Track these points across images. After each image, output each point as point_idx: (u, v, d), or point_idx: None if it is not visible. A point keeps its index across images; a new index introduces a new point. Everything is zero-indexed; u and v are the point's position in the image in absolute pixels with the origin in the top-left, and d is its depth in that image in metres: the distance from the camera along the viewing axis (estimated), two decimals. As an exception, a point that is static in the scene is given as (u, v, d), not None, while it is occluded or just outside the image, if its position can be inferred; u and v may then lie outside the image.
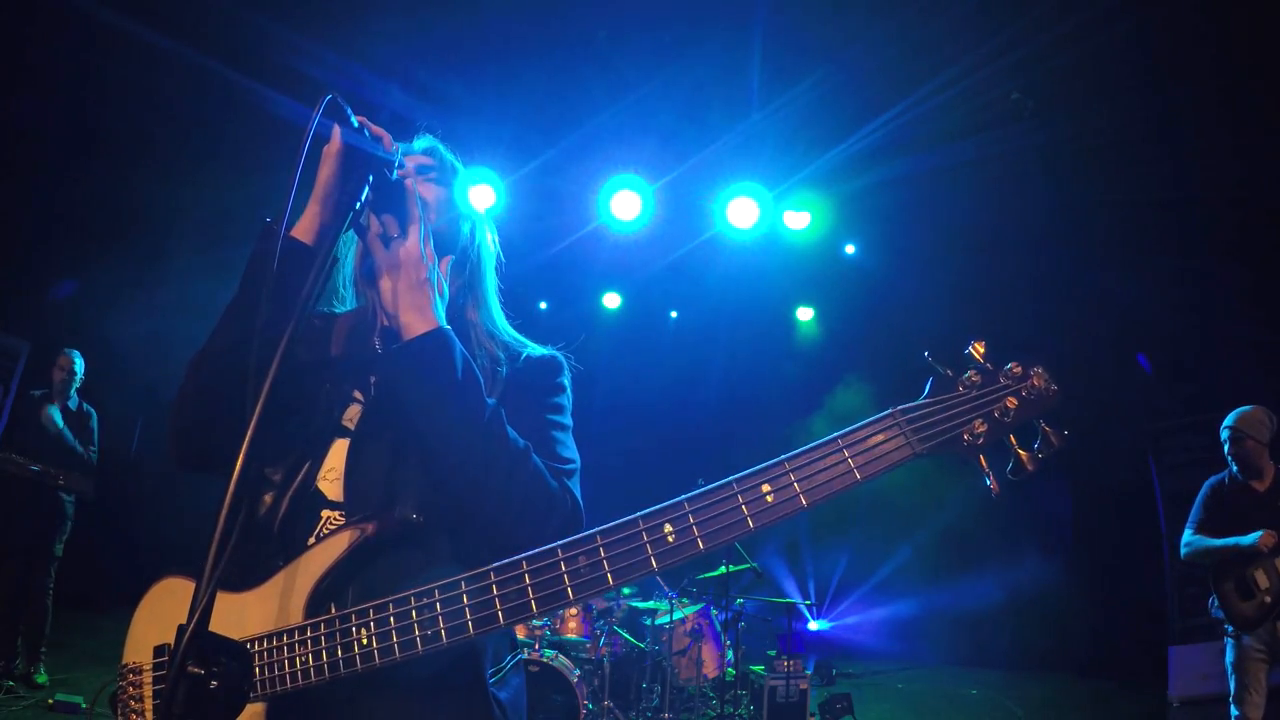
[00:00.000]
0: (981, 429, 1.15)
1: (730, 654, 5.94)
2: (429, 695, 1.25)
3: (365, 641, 1.15)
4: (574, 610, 5.44)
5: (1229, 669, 4.11)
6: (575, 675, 4.98)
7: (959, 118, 6.09)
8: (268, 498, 1.35)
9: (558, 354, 1.55)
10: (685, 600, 5.97)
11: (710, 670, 5.76)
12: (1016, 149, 6.27)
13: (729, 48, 5.89)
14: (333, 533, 1.25)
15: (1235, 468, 4.19)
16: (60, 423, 5.51)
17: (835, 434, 1.14)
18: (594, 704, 5.21)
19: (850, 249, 8.75)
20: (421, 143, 1.55)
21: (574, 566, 1.12)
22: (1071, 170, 6.69)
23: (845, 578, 10.45)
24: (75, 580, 5.80)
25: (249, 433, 0.99)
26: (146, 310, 7.22)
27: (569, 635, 5.34)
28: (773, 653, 6.13)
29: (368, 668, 1.15)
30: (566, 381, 1.52)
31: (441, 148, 1.56)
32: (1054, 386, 1.17)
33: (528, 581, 1.12)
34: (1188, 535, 4.28)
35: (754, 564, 5.96)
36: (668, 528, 1.11)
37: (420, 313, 1.28)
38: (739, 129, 6.66)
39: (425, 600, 1.15)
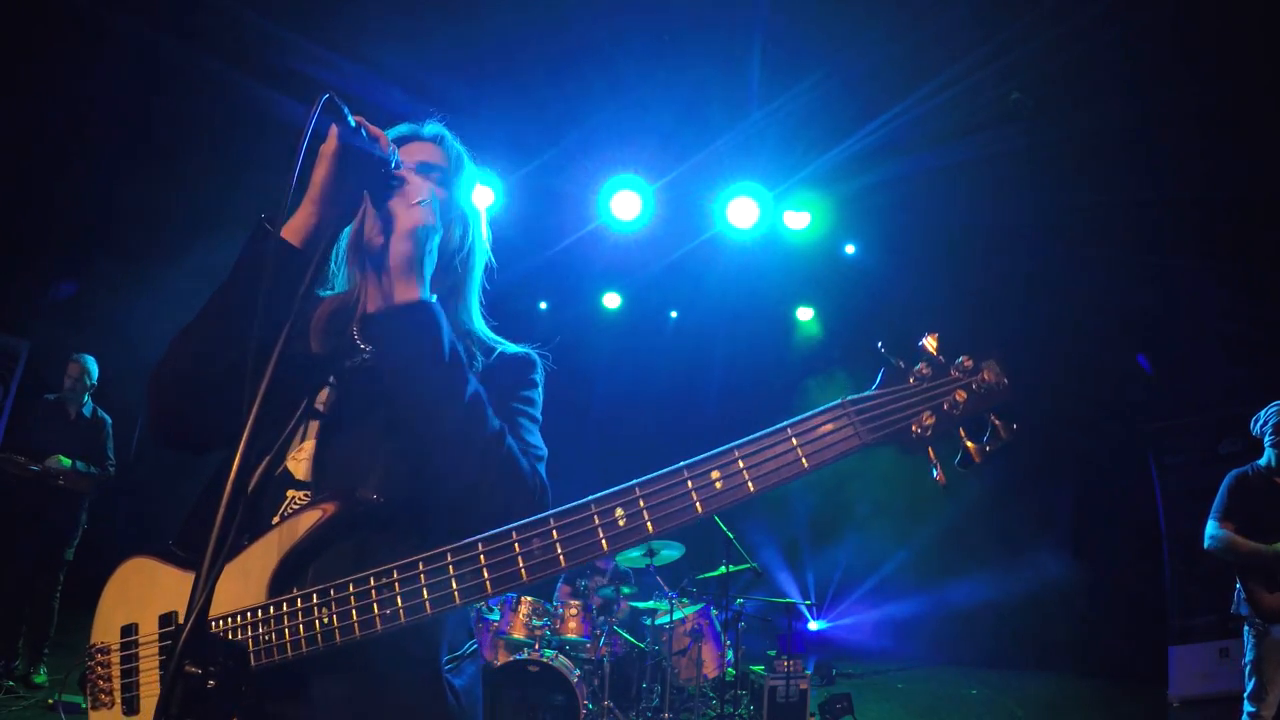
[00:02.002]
0: (930, 421, 1.16)
1: (730, 654, 5.94)
2: (384, 679, 1.27)
3: (326, 620, 1.17)
4: (574, 610, 5.45)
5: (1247, 667, 4.10)
6: (575, 675, 4.98)
7: (958, 118, 6.08)
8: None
9: (531, 352, 1.57)
10: (685, 600, 5.97)
11: (710, 670, 5.76)
12: (1016, 149, 6.26)
13: (729, 48, 5.89)
14: (295, 512, 1.26)
15: (1269, 456, 4.21)
16: (67, 465, 5.45)
17: (785, 423, 1.16)
18: (594, 704, 5.21)
19: (850, 249, 8.75)
20: (430, 128, 1.57)
21: (528, 548, 1.14)
22: (1071, 170, 6.68)
23: (845, 578, 10.45)
24: (75, 580, 5.80)
25: (243, 438, 1.00)
26: (145, 310, 7.21)
27: (569, 635, 5.34)
28: (773, 653, 6.13)
29: (328, 646, 1.17)
30: (539, 378, 1.54)
31: (449, 136, 1.58)
32: (1005, 380, 1.18)
33: (483, 562, 1.14)
34: (1213, 528, 4.23)
35: (754, 564, 5.96)
36: (619, 511, 1.13)
37: (409, 296, 1.31)
38: (739, 129, 6.66)
39: (384, 580, 1.17)
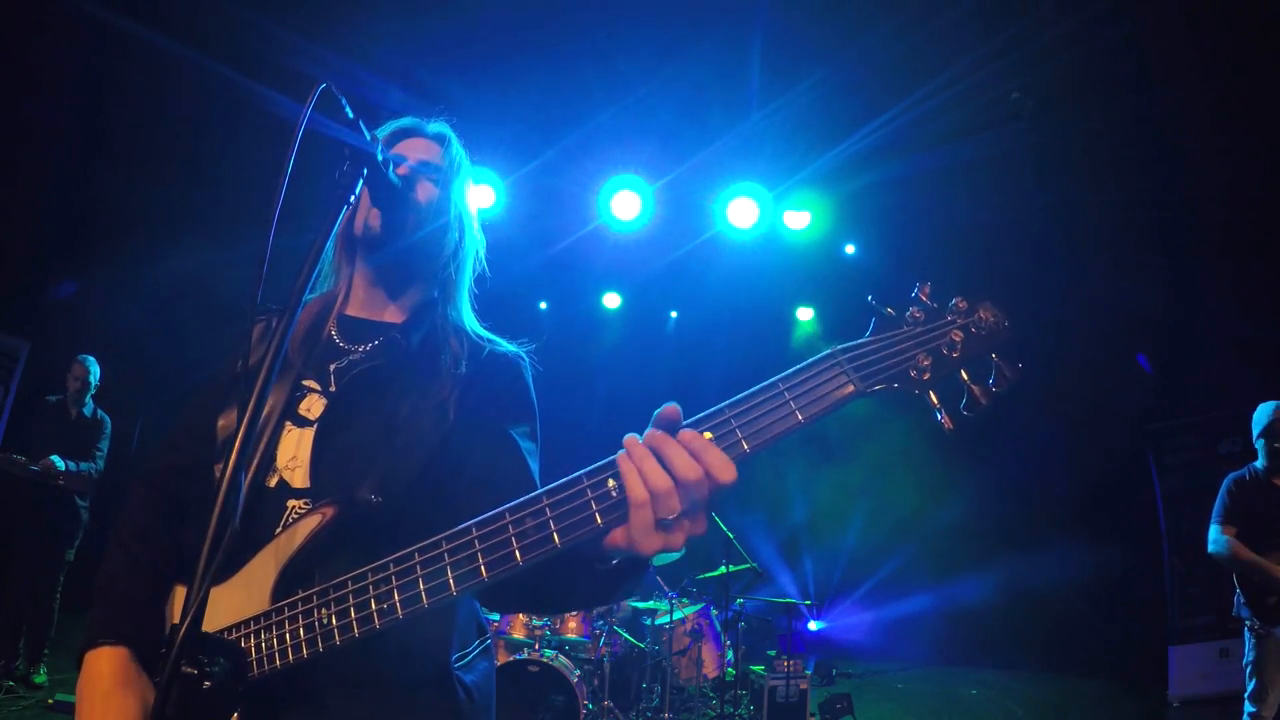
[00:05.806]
0: (926, 363, 1.14)
1: (730, 654, 5.94)
2: (392, 679, 1.25)
3: (326, 620, 1.15)
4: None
5: (1248, 668, 4.12)
6: (575, 675, 4.98)
7: (959, 118, 6.07)
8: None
9: (520, 352, 1.55)
10: (685, 600, 5.97)
11: (710, 670, 5.76)
12: (1016, 149, 6.26)
13: (729, 48, 5.88)
14: (296, 520, 1.26)
15: (1265, 462, 4.23)
16: (61, 466, 5.43)
17: (774, 378, 1.14)
18: (594, 704, 5.21)
19: (850, 249, 8.74)
20: (434, 127, 1.55)
21: (521, 528, 1.09)
22: (1071, 170, 6.68)
23: (845, 578, 10.44)
24: (75, 580, 5.80)
25: (238, 441, 1.00)
26: (145, 310, 7.22)
27: (569, 635, 5.34)
28: (773, 653, 6.14)
29: (328, 646, 1.14)
30: (528, 382, 1.53)
31: (453, 137, 1.56)
32: (1005, 320, 1.16)
33: (478, 547, 1.10)
34: (1215, 532, 4.25)
35: (754, 564, 5.96)
36: (611, 483, 1.09)
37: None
38: (739, 129, 6.65)
39: (382, 575, 1.14)
